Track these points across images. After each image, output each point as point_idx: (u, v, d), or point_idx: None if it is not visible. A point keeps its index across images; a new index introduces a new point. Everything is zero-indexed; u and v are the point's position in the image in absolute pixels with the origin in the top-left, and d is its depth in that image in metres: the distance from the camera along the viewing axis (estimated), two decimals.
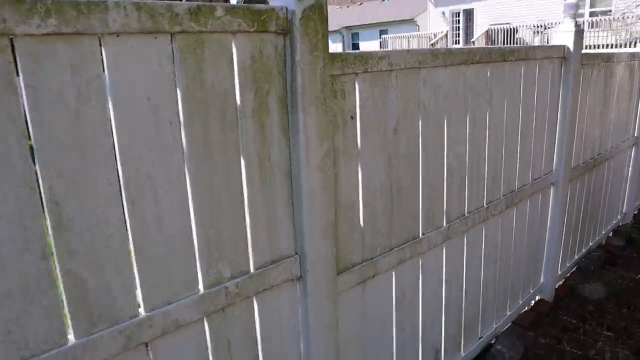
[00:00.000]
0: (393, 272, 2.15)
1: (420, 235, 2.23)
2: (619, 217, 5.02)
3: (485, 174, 2.56)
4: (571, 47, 3.01)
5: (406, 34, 26.91)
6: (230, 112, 1.45)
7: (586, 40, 18.50)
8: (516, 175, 2.84)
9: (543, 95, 2.94)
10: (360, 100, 1.83)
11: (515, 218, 2.93)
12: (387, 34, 30.73)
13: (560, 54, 3.00)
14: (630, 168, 5.00)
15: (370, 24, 32.92)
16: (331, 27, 36.03)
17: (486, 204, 2.62)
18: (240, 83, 1.45)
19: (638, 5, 15.85)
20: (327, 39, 1.62)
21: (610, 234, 4.87)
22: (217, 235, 1.49)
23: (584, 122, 3.56)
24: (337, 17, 38.11)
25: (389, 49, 8.67)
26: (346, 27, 35.13)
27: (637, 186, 5.21)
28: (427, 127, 2.13)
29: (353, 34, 35.31)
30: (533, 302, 3.55)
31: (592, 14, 19.48)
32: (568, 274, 4.06)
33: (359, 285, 1.98)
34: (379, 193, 1.98)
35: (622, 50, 7.94)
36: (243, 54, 1.45)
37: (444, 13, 25.91)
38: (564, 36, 3.03)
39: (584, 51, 3.17)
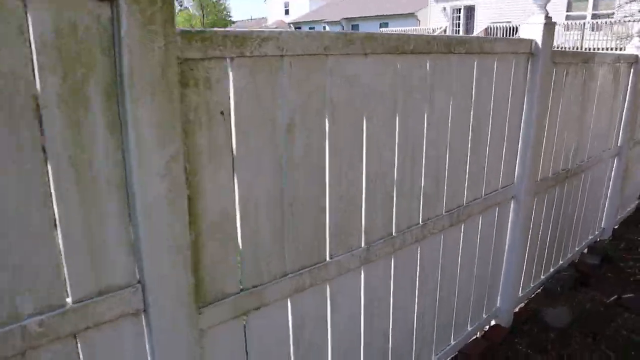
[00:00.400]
0: (289, 303, 1.76)
1: (328, 259, 1.84)
2: (596, 232, 4.64)
3: (421, 186, 2.17)
4: (539, 42, 2.60)
5: (406, 28, 26.39)
6: (25, 102, 1.05)
7: (587, 43, 18.11)
8: (464, 187, 2.45)
9: (503, 96, 2.54)
10: (235, 92, 1.43)
11: (462, 236, 2.54)
12: (387, 27, 30.22)
13: (526, 50, 2.59)
14: (611, 181, 4.61)
15: (371, 16, 32.32)
16: (332, 18, 35.50)
17: (422, 221, 2.23)
18: (40, 65, 1.06)
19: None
20: (173, 11, 1.22)
21: (586, 251, 4.50)
22: (14, 265, 1.11)
23: (555, 128, 3.17)
24: (338, 7, 37.52)
25: None
26: (346, 18, 34.55)
27: (618, 201, 4.83)
28: (337, 128, 1.73)
29: (353, 26, 34.73)
30: (488, 327, 3.18)
31: (594, 17, 19.10)
32: (532, 295, 3.68)
33: (236, 320, 1.59)
34: (264, 207, 1.59)
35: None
36: (42, 26, 1.04)
37: (444, 8, 25.43)
38: (531, 29, 2.63)
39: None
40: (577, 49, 17.55)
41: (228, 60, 1.40)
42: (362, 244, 1.96)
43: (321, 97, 1.65)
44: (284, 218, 1.65)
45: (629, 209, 5.51)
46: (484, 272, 2.85)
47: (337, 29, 35.11)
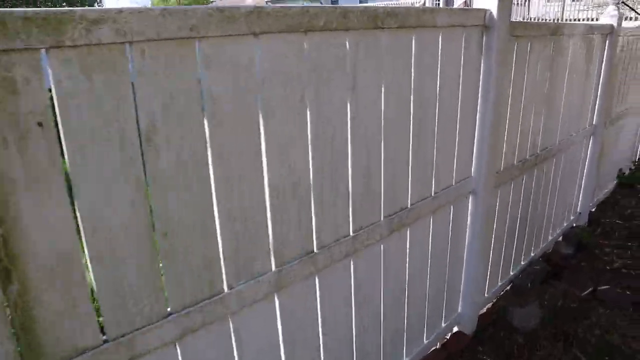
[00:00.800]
0: (177, 349, 1.40)
1: (226, 290, 1.48)
2: (571, 218, 4.34)
3: (349, 191, 1.80)
4: (495, 12, 2.22)
5: (388, 3, 25.73)
6: None
7: (567, 14, 17.75)
8: (408, 187, 2.09)
9: (452, 77, 2.17)
10: (59, 95, 1.05)
11: (409, 242, 2.20)
12: (367, 2, 29.50)
13: (478, 21, 2.21)
14: (586, 162, 4.30)
15: None
16: None
17: (354, 232, 1.87)
18: None
19: None
20: None
21: (561, 239, 4.20)
22: None
23: (519, 111, 2.81)
24: None
25: None
26: None
27: (595, 183, 4.52)
28: (222, 130, 1.35)
29: (333, 1, 33.91)
30: (450, 334, 2.86)
31: None
32: (502, 293, 3.37)
33: None
34: (125, 238, 1.21)
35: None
36: None
37: None
38: None
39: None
40: (558, 20, 17.18)
41: (43, 52, 1.01)
42: (272, 268, 1.60)
43: (194, 92, 1.27)
44: (156, 249, 1.28)
45: (606, 190, 5.23)
46: (440, 278, 2.52)
47: (316, 3, 34.23)
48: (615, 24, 3.86)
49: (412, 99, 1.96)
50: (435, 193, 2.26)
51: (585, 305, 3.39)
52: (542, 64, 2.93)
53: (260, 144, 1.46)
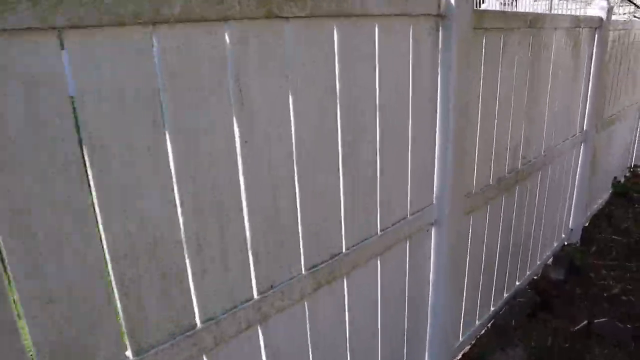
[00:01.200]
0: None
1: None
2: (562, 236, 3.86)
3: (247, 240, 1.31)
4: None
5: None
6: None
7: (555, 12, 17.40)
8: (340, 227, 1.60)
9: (397, 80, 1.68)
10: None
11: (347, 295, 1.70)
12: None
13: (430, 10, 1.73)
14: (578, 172, 3.82)
15: None
16: None
17: (260, 294, 1.37)
18: None
19: None
20: None
21: (551, 261, 3.71)
22: None
23: (492, 120, 2.33)
24: None
25: None
26: None
27: (587, 195, 4.04)
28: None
29: None
30: None
31: None
32: (481, 333, 2.87)
33: None
34: None
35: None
36: None
37: None
38: None
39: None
40: None
41: None
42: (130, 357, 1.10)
43: None
44: None
45: (600, 200, 4.76)
46: (396, 331, 2.02)
47: None
48: (604, 17, 3.40)
49: (338, 112, 1.47)
50: (382, 230, 1.76)
51: (579, 344, 2.90)
52: (520, 62, 2.45)
53: (90, 196, 0.96)
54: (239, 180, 1.24)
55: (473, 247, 2.41)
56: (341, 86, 1.45)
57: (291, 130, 1.34)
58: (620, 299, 3.37)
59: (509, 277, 2.97)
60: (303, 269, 1.49)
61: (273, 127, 1.29)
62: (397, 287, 1.95)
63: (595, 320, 3.10)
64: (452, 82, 1.81)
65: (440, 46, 1.81)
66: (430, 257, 2.09)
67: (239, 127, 1.21)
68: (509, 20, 2.22)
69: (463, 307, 2.48)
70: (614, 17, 3.61)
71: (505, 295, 2.99)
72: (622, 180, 5.38)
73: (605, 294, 3.42)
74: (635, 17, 3.53)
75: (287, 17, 1.25)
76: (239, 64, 1.17)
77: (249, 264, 1.32)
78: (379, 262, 1.80)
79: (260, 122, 1.25)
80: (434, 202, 2.00)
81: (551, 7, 17.71)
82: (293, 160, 1.37)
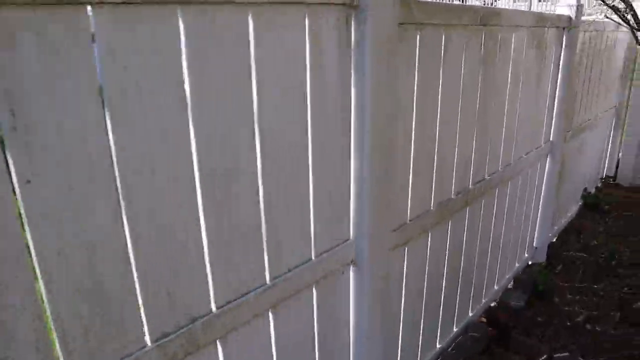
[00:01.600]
0: None
1: None
2: (526, 256, 3.52)
3: (50, 323, 0.89)
4: None
5: None
6: None
7: (538, 7, 17.23)
8: (207, 281, 1.19)
9: (291, 90, 1.28)
10: None
11: None
12: None
13: None
14: (543, 185, 3.49)
15: None
16: None
17: None
18: None
19: None
20: None
21: (512, 284, 3.37)
22: None
23: (433, 133, 1.95)
24: None
25: None
26: None
27: (553, 209, 3.71)
28: None
29: None
30: None
31: None
32: None
33: None
34: None
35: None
36: None
37: None
38: None
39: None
40: None
41: None
42: None
43: None
44: None
45: (569, 214, 4.45)
46: None
47: None
48: (573, 16, 3.05)
49: (191, 133, 1.07)
50: (274, 279, 1.36)
51: None
52: (470, 65, 2.08)
53: None
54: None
55: (410, 282, 2.04)
56: (196, 100, 1.05)
57: (112, 164, 0.93)
58: (585, 329, 3.04)
59: (460, 308, 2.61)
60: (148, 342, 1.08)
61: (77, 162, 0.88)
62: (303, 344, 1.55)
63: (556, 355, 2.76)
64: (368, 90, 1.42)
65: (353, 45, 1.42)
66: (349, 303, 1.70)
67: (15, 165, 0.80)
68: (452, 15, 1.84)
69: (399, 352, 2.10)
70: (584, 18, 3.27)
71: (455, 329, 2.62)
72: (593, 191, 5.09)
73: (569, 323, 3.09)
74: (607, 17, 3.20)
75: (91, 3, 0.84)
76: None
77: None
78: (271, 317, 1.40)
79: (49, 155, 0.84)
80: (350, 237, 1.61)
81: (530, 8, 17.57)
82: (119, 203, 0.96)
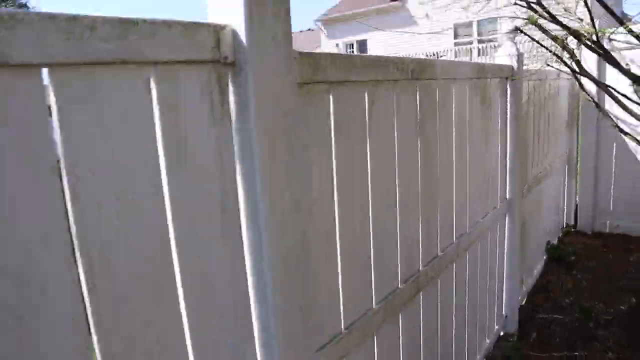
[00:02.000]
0: None
1: None
2: (496, 328, 3.12)
3: None
4: (241, 29, 0.97)
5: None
6: None
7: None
8: None
9: (140, 196, 0.87)
10: None
11: None
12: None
13: (204, 52, 0.95)
14: (506, 247, 3.15)
15: None
16: None
17: None
18: None
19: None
20: None
21: None
22: None
23: (366, 220, 1.56)
24: None
25: None
26: None
27: (520, 270, 3.37)
28: None
29: None
30: None
31: (479, 41, 19.21)
32: None
33: None
34: None
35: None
36: None
37: (337, 45, 24.95)
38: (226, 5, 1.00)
39: None
40: None
41: None
42: None
43: None
44: None
45: (535, 271, 4.13)
46: None
47: None
48: (515, 65, 2.84)
49: None
50: None
51: None
52: (404, 127, 1.73)
53: None
54: None
55: None
56: None
57: None
58: None
59: None
60: None
61: None
62: None
63: None
64: (258, 176, 1.02)
65: (233, 118, 1.03)
66: None
67: None
68: (376, 70, 1.50)
69: None
70: (525, 67, 3.08)
71: None
72: (556, 242, 4.83)
73: None
74: (548, 65, 3.02)
75: None
76: None
77: None
78: None
79: None
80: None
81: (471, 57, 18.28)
82: None
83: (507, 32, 2.81)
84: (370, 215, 1.55)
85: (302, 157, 1.20)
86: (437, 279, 2.11)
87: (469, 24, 19.29)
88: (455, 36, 20.07)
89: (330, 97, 1.33)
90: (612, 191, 4.98)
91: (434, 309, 2.11)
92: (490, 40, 18.51)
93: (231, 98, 1.02)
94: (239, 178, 1.05)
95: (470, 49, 18.68)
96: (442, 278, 2.16)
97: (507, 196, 3.03)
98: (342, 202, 1.39)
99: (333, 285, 1.39)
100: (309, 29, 33.73)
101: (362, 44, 23.80)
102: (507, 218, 3.09)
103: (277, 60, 1.06)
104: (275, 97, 1.05)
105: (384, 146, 1.61)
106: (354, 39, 24.08)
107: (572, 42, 2.37)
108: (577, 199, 5.34)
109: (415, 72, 1.73)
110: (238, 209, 1.06)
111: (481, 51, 18.48)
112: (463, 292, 2.46)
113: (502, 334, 3.25)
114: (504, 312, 3.25)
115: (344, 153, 1.40)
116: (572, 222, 5.37)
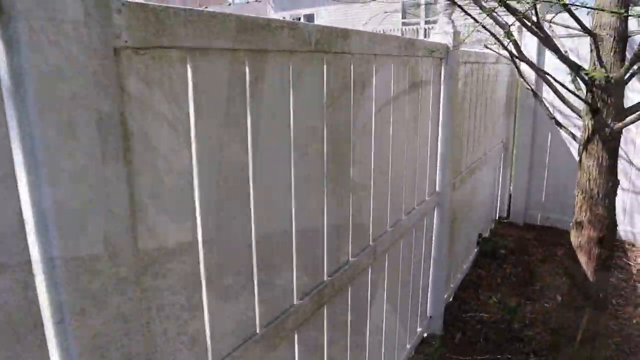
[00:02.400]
0: None
1: None
2: (419, 330, 2.90)
3: None
4: None
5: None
6: None
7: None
8: None
9: None
10: None
11: None
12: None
13: None
14: (434, 244, 2.92)
15: None
16: None
17: None
18: None
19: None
20: None
21: None
22: None
23: (248, 227, 1.21)
24: None
25: None
26: None
27: (447, 268, 3.16)
28: None
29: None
30: None
31: (427, 22, 19.15)
32: None
33: None
34: None
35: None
36: None
37: (284, 18, 24.26)
38: None
39: None
40: None
41: None
42: None
43: None
44: None
45: (465, 265, 3.96)
46: None
47: None
48: (450, 45, 2.55)
49: None
50: None
51: None
52: (305, 111, 1.39)
53: None
54: None
55: None
56: None
57: None
58: None
59: None
60: None
61: None
62: None
63: None
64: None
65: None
66: None
67: None
68: (261, 35, 1.14)
69: None
70: (462, 49, 2.81)
71: None
72: (488, 234, 4.71)
73: None
74: (486, 47, 2.76)
75: None
76: None
77: None
78: None
79: None
80: None
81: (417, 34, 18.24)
82: None
83: (444, 7, 2.51)
84: (253, 226, 1.20)
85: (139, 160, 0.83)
86: (348, 287, 1.81)
87: (418, 5, 19.16)
88: (404, 16, 19.90)
89: (189, 69, 0.96)
90: (545, 182, 4.91)
91: (340, 324, 1.82)
92: (436, 22, 18.52)
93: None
94: None
95: (417, 29, 18.59)
96: (353, 287, 1.86)
97: (437, 189, 2.78)
98: (206, 212, 1.03)
99: (195, 302, 1.04)
100: (256, 0, 32.64)
101: (310, 19, 23.17)
102: (435, 212, 2.85)
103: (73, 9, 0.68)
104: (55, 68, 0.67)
105: (273, 136, 1.26)
106: (302, 12, 23.41)
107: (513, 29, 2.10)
108: (511, 189, 5.25)
109: (321, 42, 1.38)
110: None
111: (427, 33, 18.47)
112: (381, 297, 2.19)
113: (425, 335, 3.04)
114: (428, 313, 3.04)
115: (208, 148, 1.03)
116: (505, 214, 5.29)
